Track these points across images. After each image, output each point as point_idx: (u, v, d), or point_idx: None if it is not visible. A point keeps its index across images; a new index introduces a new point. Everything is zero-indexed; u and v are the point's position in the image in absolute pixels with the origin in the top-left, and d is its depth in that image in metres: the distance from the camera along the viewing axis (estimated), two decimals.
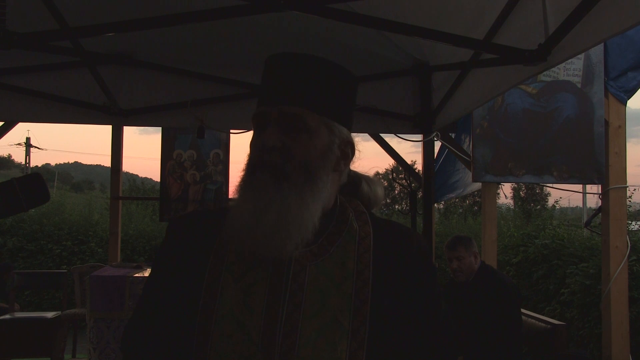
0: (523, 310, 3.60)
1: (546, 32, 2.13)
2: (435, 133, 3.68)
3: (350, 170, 1.18)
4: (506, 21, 2.52)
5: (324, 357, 1.00)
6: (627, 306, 3.98)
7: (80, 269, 5.78)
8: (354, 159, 1.15)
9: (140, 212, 10.37)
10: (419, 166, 4.87)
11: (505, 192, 17.93)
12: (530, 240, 7.38)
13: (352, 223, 1.11)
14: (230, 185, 5.15)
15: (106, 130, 17.65)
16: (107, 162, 6.99)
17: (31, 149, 33.41)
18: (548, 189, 18.31)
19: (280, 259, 1.03)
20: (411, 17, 2.52)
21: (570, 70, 4.13)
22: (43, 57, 3.38)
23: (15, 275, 5.60)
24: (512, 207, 18.34)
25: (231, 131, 4.34)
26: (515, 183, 11.90)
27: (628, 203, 6.85)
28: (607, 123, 4.06)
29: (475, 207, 19.74)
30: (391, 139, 8.75)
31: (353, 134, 1.14)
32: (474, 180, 4.28)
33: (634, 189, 8.43)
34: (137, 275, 3.77)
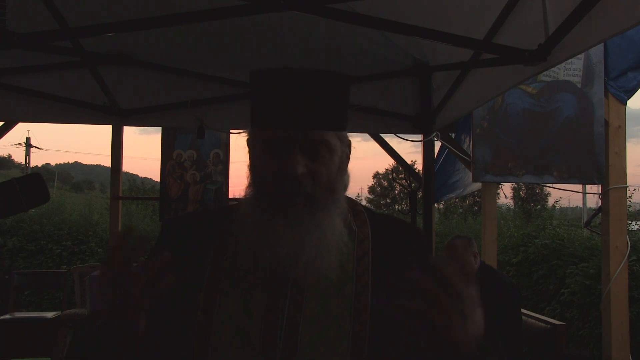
0: (523, 310, 3.61)
1: (546, 32, 2.13)
2: (435, 133, 3.68)
3: None
4: (506, 21, 2.52)
5: None
6: (627, 306, 3.98)
7: (80, 269, 5.79)
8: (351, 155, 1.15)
9: (140, 212, 10.38)
10: (419, 166, 4.87)
11: (505, 192, 17.92)
12: (530, 240, 7.39)
13: (351, 225, 1.11)
14: (230, 185, 5.15)
15: (106, 130, 17.65)
16: (107, 162, 6.98)
17: (31, 149, 33.44)
18: (548, 189, 18.33)
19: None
20: (411, 17, 2.51)
21: (570, 70, 4.13)
22: (43, 57, 3.37)
23: (15, 275, 5.61)
24: (512, 207, 18.35)
25: (231, 131, 4.34)
26: (515, 183, 11.90)
27: (628, 203, 6.86)
28: (607, 123, 4.06)
29: (475, 207, 19.74)
30: (391, 139, 8.74)
31: (352, 134, 1.15)
32: (474, 180, 4.27)
33: (634, 189, 8.44)
34: None
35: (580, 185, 5.12)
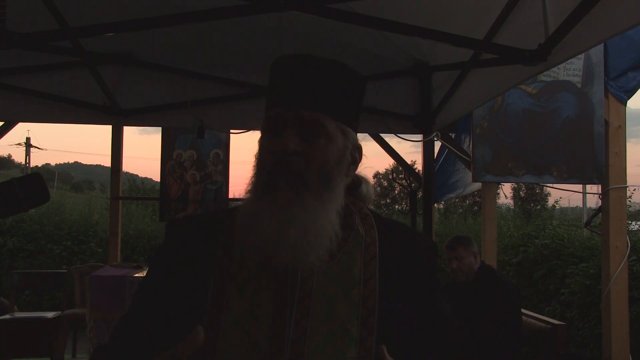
0: (523, 310, 3.60)
1: (546, 32, 2.13)
2: (435, 133, 3.68)
3: None
4: (506, 21, 2.52)
5: None
6: (627, 306, 3.98)
7: (80, 269, 5.78)
8: (360, 164, 1.14)
9: (140, 212, 10.37)
10: (419, 166, 4.87)
11: (505, 192, 17.94)
12: (530, 240, 7.38)
13: (358, 228, 1.10)
14: (230, 185, 5.15)
15: (106, 130, 17.66)
16: (107, 162, 6.98)
17: (31, 149, 33.43)
18: (548, 189, 18.31)
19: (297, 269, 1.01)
20: (411, 17, 2.51)
21: (570, 70, 4.13)
22: (43, 57, 3.38)
23: (15, 275, 5.60)
24: (512, 207, 18.33)
25: (231, 131, 4.34)
26: (515, 183, 11.90)
27: (628, 203, 6.85)
28: (607, 123, 4.06)
29: (475, 207, 19.73)
30: (391, 139, 8.75)
31: None
32: (474, 180, 4.27)
33: (634, 189, 8.43)
34: (137, 275, 3.77)
35: (580, 185, 5.12)
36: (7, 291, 5.67)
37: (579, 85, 4.14)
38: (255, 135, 1.15)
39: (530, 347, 3.65)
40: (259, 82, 3.59)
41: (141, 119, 3.69)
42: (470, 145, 4.24)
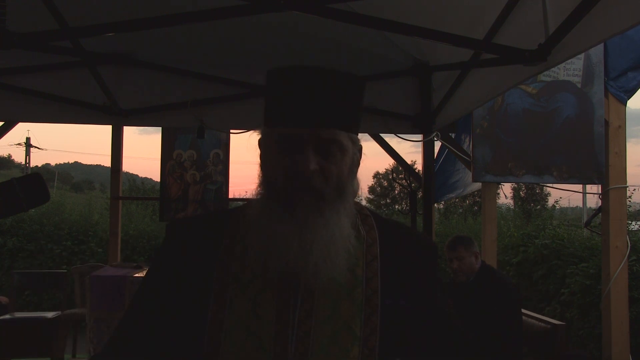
0: (523, 310, 3.60)
1: (546, 32, 2.13)
2: (435, 133, 3.68)
3: None
4: (506, 21, 2.52)
5: None
6: (627, 306, 3.98)
7: (80, 269, 5.78)
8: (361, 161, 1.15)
9: (140, 212, 10.36)
10: (419, 166, 4.87)
11: (505, 192, 17.91)
12: (530, 240, 7.38)
13: (359, 229, 1.11)
14: (230, 185, 5.15)
15: (106, 130, 17.64)
16: (107, 162, 6.98)
17: (31, 149, 33.45)
18: (548, 189, 18.33)
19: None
20: (411, 17, 2.51)
21: (570, 70, 4.13)
22: (43, 57, 3.38)
23: (15, 275, 5.60)
24: (512, 207, 18.33)
25: (231, 131, 4.34)
26: (515, 183, 11.90)
27: (628, 203, 6.86)
28: (607, 123, 4.06)
29: (475, 207, 19.74)
30: (391, 139, 8.76)
31: None
32: (474, 180, 4.27)
33: (634, 189, 8.43)
34: (137, 275, 3.77)
35: (580, 185, 5.12)
36: (7, 291, 5.67)
37: (579, 85, 4.14)
38: (255, 136, 1.14)
39: (530, 347, 3.65)
40: (259, 82, 3.59)
41: (141, 119, 3.69)
42: (470, 145, 4.24)
